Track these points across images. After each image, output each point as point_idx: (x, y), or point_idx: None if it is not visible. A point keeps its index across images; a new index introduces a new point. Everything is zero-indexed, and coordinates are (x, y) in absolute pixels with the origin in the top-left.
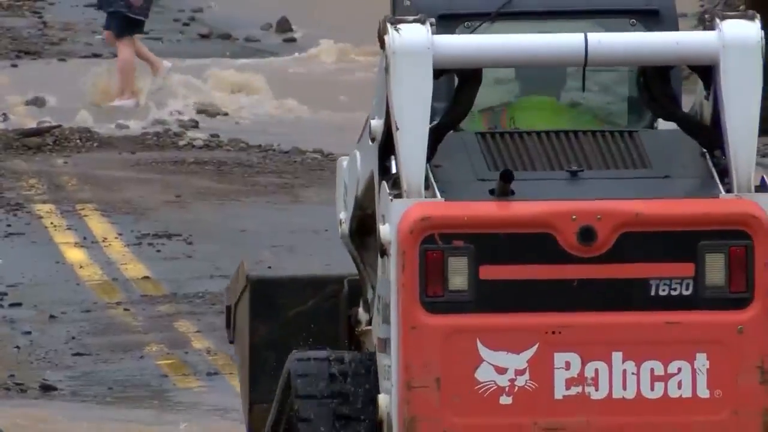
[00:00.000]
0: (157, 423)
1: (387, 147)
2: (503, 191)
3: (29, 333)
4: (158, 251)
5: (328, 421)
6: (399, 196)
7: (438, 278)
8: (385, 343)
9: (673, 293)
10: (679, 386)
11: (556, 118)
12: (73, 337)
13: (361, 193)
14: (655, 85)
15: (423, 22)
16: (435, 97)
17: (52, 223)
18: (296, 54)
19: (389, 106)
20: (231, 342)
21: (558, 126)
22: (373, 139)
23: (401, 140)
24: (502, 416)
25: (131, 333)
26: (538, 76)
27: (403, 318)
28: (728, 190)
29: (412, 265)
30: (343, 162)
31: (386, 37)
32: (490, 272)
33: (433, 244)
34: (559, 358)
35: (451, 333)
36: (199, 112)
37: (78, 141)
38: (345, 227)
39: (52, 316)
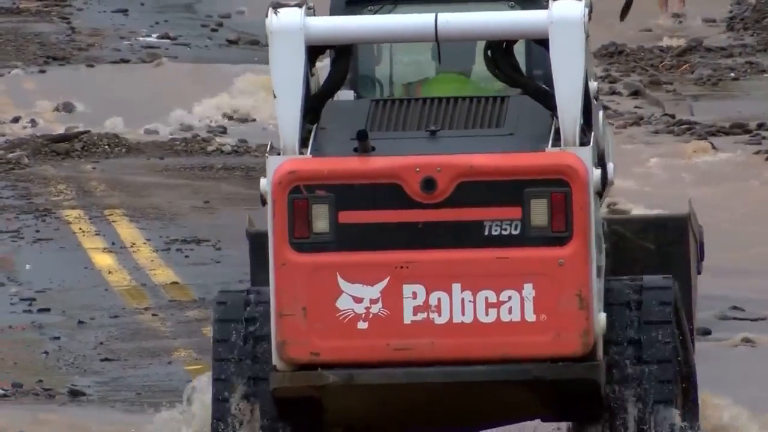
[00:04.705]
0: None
1: None
2: (364, 148)
3: (58, 338)
4: (186, 257)
5: (239, 341)
6: (279, 153)
7: (303, 222)
8: None
9: (504, 233)
10: (510, 312)
11: (464, 90)
12: (102, 343)
13: None
14: (499, 56)
15: (301, 6)
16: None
17: (80, 228)
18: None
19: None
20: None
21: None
22: None
23: (278, 107)
24: (360, 339)
25: (159, 338)
26: (452, 56)
27: (275, 256)
28: (559, 145)
29: (281, 212)
30: None
31: (266, 20)
32: (348, 217)
33: (299, 194)
34: (407, 289)
35: (315, 269)
36: (228, 117)
37: (106, 146)
38: None
39: (80, 322)
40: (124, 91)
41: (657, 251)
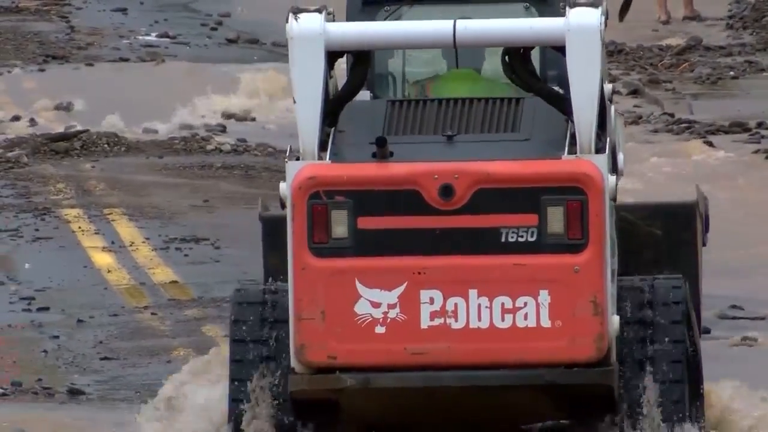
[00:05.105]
0: None
1: None
2: (382, 154)
3: (57, 337)
4: (186, 255)
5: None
6: (299, 158)
7: (323, 228)
8: None
9: (520, 240)
10: (526, 318)
11: (475, 87)
12: (101, 342)
13: None
14: (516, 62)
15: (320, 12)
16: None
17: (79, 227)
18: None
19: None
20: None
21: (476, 94)
22: None
23: (298, 112)
24: (377, 343)
25: (159, 337)
26: (462, 53)
27: (295, 260)
28: (575, 151)
29: (301, 217)
30: None
31: (287, 25)
32: (366, 222)
33: (318, 199)
34: (425, 295)
35: (334, 273)
36: (227, 116)
37: (106, 145)
38: None
39: (79, 321)
40: (124, 90)
41: (665, 237)
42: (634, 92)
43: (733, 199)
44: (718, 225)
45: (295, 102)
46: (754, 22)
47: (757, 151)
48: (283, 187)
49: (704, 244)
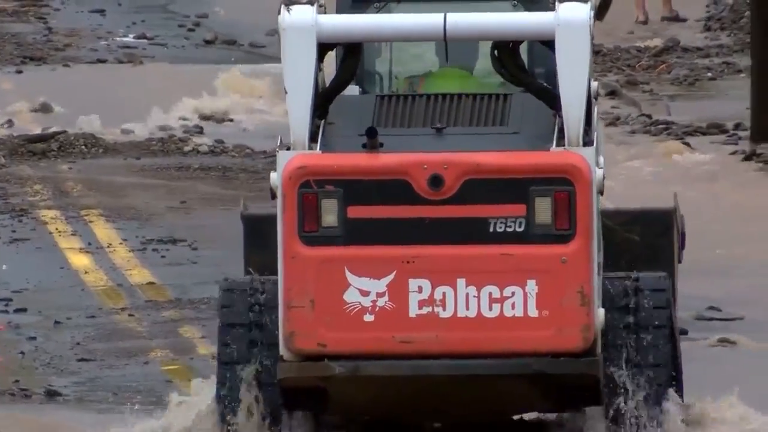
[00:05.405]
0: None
1: None
2: (372, 145)
3: (34, 339)
4: (163, 257)
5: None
6: (289, 148)
7: (313, 216)
8: None
9: (508, 230)
10: (513, 307)
11: (466, 86)
12: (78, 343)
13: None
14: (505, 56)
15: (312, 4)
16: None
17: (56, 228)
18: None
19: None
20: None
21: (467, 92)
22: None
23: (289, 102)
24: (366, 331)
25: (136, 338)
26: (455, 51)
27: (285, 249)
28: (563, 144)
29: (291, 206)
30: None
31: (279, 17)
32: (356, 212)
33: (309, 188)
34: (413, 283)
35: (323, 262)
36: (204, 118)
37: (83, 147)
38: None
39: (57, 322)
40: (101, 92)
41: (642, 243)
42: (612, 93)
43: (711, 200)
44: (695, 226)
45: (286, 92)
46: (731, 24)
47: (734, 153)
48: (274, 177)
49: (680, 261)
